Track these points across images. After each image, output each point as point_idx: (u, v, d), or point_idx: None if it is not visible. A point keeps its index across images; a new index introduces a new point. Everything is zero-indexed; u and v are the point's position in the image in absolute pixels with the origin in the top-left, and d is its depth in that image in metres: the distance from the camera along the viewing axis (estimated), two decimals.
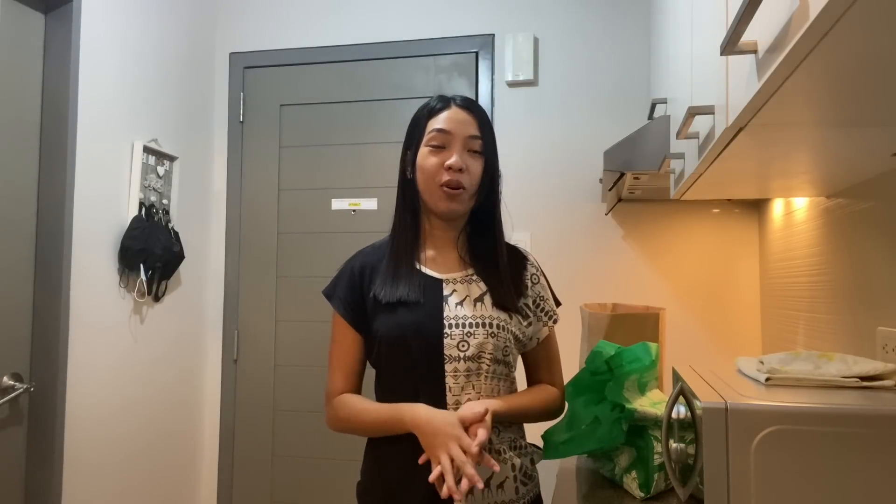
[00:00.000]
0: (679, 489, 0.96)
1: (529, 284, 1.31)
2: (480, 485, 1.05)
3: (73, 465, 1.93)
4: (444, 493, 1.06)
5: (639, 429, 1.32)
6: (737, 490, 0.82)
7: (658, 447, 1.29)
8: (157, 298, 2.32)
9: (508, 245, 1.32)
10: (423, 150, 1.23)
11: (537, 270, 1.34)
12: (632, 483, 1.32)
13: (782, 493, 0.81)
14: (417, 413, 1.14)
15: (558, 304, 1.37)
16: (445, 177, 1.20)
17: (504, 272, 1.26)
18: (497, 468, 1.10)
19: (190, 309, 2.55)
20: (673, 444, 1.02)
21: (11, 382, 1.80)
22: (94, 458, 2.03)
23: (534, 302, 1.31)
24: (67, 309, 1.91)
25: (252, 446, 2.62)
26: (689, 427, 0.92)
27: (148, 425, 2.29)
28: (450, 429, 1.09)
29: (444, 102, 1.25)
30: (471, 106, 1.26)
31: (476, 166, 1.23)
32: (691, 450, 0.91)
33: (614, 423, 1.28)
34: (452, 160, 1.19)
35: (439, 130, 1.22)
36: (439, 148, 1.22)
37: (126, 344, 2.18)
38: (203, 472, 2.64)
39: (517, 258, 1.33)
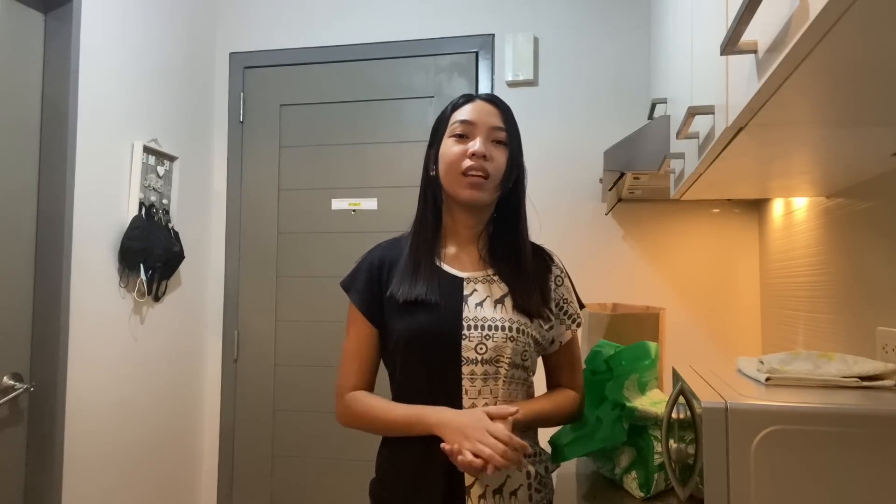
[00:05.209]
0: (679, 489, 0.96)
1: (553, 286, 1.28)
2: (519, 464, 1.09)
3: (73, 465, 1.93)
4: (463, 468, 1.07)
5: (639, 429, 1.33)
6: (737, 490, 0.82)
7: (658, 447, 1.29)
8: (157, 298, 2.32)
9: (533, 245, 1.30)
10: (447, 141, 1.23)
11: (562, 272, 1.31)
12: (632, 483, 1.33)
13: (782, 493, 0.81)
14: (442, 414, 1.13)
15: (582, 306, 1.33)
16: (468, 163, 1.19)
17: (527, 274, 1.24)
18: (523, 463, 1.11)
19: (190, 309, 2.55)
20: (673, 444, 1.02)
21: (11, 382, 1.80)
22: (93, 457, 2.03)
23: (557, 305, 1.28)
24: (67, 309, 1.91)
25: (252, 446, 2.62)
26: (689, 427, 0.92)
27: (148, 425, 2.29)
28: (478, 423, 1.09)
29: (469, 97, 1.26)
30: (496, 100, 1.26)
31: (500, 156, 1.22)
32: (691, 450, 0.91)
33: (615, 421, 1.28)
34: (476, 147, 1.19)
35: (463, 121, 1.22)
36: (463, 137, 1.21)
37: (126, 344, 2.18)
38: (203, 471, 2.64)
39: (542, 259, 1.30)
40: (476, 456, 1.05)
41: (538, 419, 1.22)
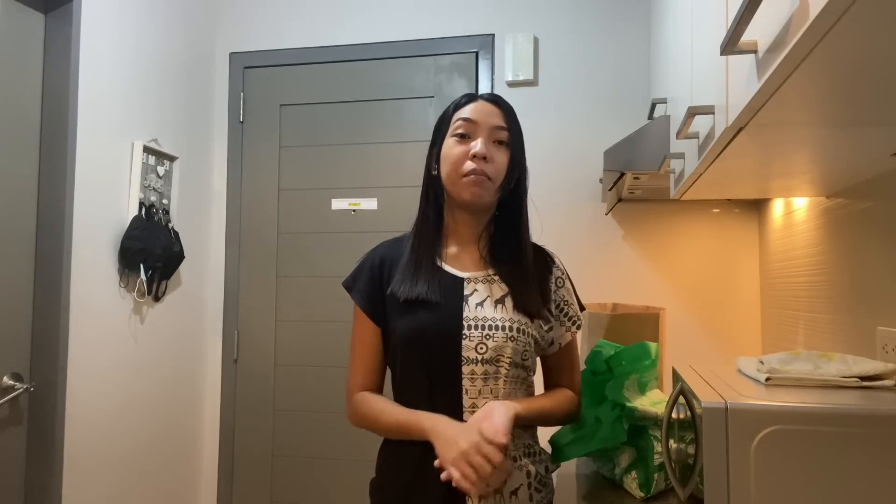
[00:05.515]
0: (679, 489, 0.96)
1: (554, 288, 1.28)
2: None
3: (73, 465, 1.93)
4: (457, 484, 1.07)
5: (639, 429, 1.33)
6: (737, 490, 0.82)
7: (658, 447, 1.29)
8: (157, 298, 2.32)
9: (535, 245, 1.30)
10: (449, 141, 1.22)
11: (563, 273, 1.31)
12: (632, 483, 1.33)
13: (782, 493, 0.81)
14: (437, 422, 1.12)
15: (582, 308, 1.33)
16: (470, 165, 1.18)
17: (528, 274, 1.23)
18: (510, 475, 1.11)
19: (190, 309, 2.55)
20: (673, 444, 1.02)
21: (11, 382, 1.80)
22: (93, 457, 2.03)
23: (557, 306, 1.28)
24: (67, 309, 1.91)
25: (252, 446, 2.62)
26: (689, 427, 0.92)
27: (148, 425, 2.29)
28: (471, 438, 1.07)
29: (471, 97, 1.25)
30: (498, 100, 1.25)
31: (501, 157, 1.21)
32: (691, 450, 0.91)
33: (615, 421, 1.28)
34: (477, 147, 1.18)
35: (465, 119, 1.21)
36: (465, 137, 1.21)
37: (126, 344, 2.18)
38: (203, 472, 2.64)
39: (543, 260, 1.30)
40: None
41: (540, 416, 1.22)
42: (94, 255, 2.02)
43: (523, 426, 1.21)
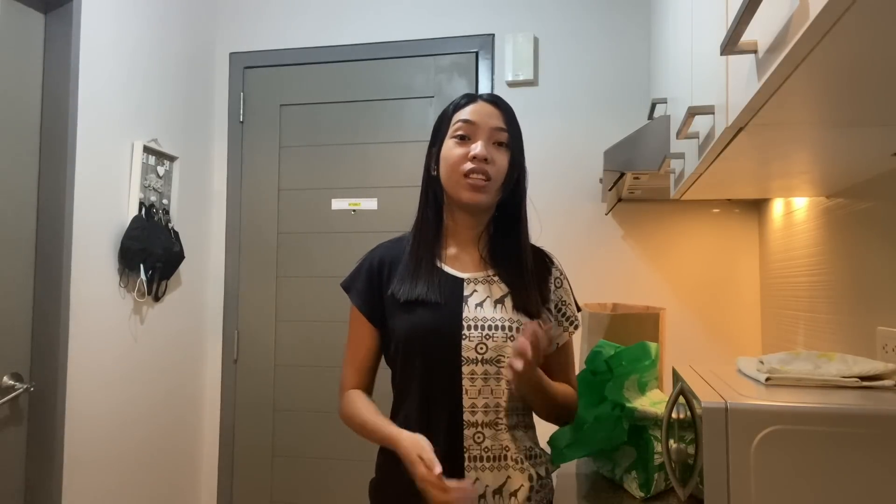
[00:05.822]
0: (679, 489, 0.96)
1: (552, 288, 1.29)
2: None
3: (73, 465, 1.93)
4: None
5: (639, 429, 1.33)
6: (737, 490, 0.82)
7: (658, 447, 1.29)
8: (157, 298, 2.32)
9: (533, 246, 1.30)
10: (449, 142, 1.22)
11: (561, 274, 1.32)
12: (632, 483, 1.33)
13: (782, 493, 0.81)
14: (403, 441, 1.13)
15: (579, 309, 1.34)
16: (469, 166, 1.18)
17: (527, 275, 1.24)
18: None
19: (190, 309, 2.55)
20: (673, 444, 1.02)
21: (11, 382, 1.80)
22: (94, 457, 2.03)
23: (556, 307, 1.28)
24: (67, 309, 1.91)
25: (252, 446, 2.62)
26: (689, 427, 0.92)
27: (148, 425, 2.29)
28: (414, 450, 1.09)
29: (471, 98, 1.25)
30: (497, 101, 1.25)
31: (502, 159, 1.21)
32: (691, 450, 0.91)
33: (615, 422, 1.28)
34: (477, 150, 1.18)
35: (464, 121, 1.21)
36: (464, 139, 1.21)
37: (126, 344, 2.18)
38: (203, 471, 2.64)
39: (542, 261, 1.30)
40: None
41: (550, 396, 1.20)
42: (94, 255, 2.02)
43: (524, 428, 1.22)
